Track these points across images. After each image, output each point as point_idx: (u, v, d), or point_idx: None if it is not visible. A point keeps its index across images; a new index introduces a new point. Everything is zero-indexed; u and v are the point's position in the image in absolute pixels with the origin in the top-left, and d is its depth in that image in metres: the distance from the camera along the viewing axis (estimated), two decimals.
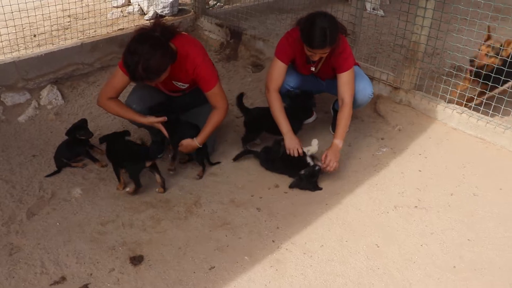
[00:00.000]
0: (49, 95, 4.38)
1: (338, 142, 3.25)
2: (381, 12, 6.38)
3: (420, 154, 3.55)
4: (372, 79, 4.13)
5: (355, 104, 3.50)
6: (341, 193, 3.18)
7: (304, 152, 3.26)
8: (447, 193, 3.15)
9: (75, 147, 3.51)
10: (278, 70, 3.36)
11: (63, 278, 2.56)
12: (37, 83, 4.45)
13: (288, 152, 3.26)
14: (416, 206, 3.04)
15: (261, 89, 4.48)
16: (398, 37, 4.05)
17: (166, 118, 3.22)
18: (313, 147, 3.28)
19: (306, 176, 3.17)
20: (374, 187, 3.23)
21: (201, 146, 3.28)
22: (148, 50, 2.86)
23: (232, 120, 4.07)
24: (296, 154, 3.24)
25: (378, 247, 2.74)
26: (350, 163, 3.49)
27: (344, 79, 3.30)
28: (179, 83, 3.31)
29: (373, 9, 6.39)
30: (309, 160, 3.26)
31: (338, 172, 3.36)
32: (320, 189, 3.22)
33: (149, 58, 2.85)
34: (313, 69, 3.44)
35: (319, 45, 3.06)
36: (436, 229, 2.85)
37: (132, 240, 2.82)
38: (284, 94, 3.50)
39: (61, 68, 4.59)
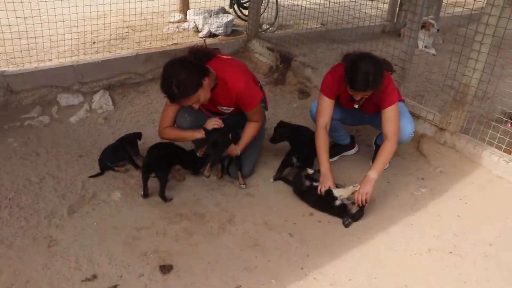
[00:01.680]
0: (101, 100, 4.58)
1: (372, 174, 3.20)
2: (432, 51, 6.34)
3: (460, 199, 3.46)
4: (417, 117, 4.10)
5: None
6: (375, 228, 3.14)
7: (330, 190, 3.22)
8: (485, 242, 3.05)
9: (120, 152, 3.64)
10: (325, 106, 3.38)
11: (94, 276, 2.64)
12: (91, 87, 4.68)
13: (318, 189, 3.24)
14: (451, 252, 2.96)
15: (305, 116, 4.52)
16: (448, 78, 4.01)
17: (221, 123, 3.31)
18: (346, 190, 3.21)
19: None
20: (409, 227, 3.17)
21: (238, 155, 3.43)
22: (177, 68, 2.99)
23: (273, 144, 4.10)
24: (322, 192, 3.22)
25: None
26: (387, 200, 3.44)
27: (388, 114, 3.27)
28: (224, 107, 3.40)
29: (425, 47, 6.36)
30: (336, 193, 3.21)
31: (373, 207, 3.33)
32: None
33: (179, 74, 2.96)
34: (356, 106, 3.44)
35: (360, 88, 3.08)
36: (471, 278, 2.76)
37: (163, 249, 2.88)
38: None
39: (115, 76, 4.82)
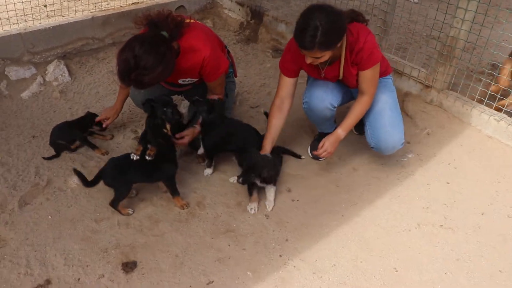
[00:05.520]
0: (56, 71, 4.14)
1: (340, 132, 2.89)
2: None
3: (449, 164, 3.21)
4: (401, 74, 3.79)
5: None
6: (359, 203, 2.88)
7: None
8: (477, 212, 2.83)
9: (71, 130, 3.27)
10: (282, 85, 2.98)
11: (48, 282, 2.36)
12: (44, 57, 4.22)
13: None
14: (441, 225, 2.73)
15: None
16: (434, 30, 3.65)
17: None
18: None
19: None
20: (396, 199, 2.92)
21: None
22: (151, 63, 2.56)
23: (247, 110, 3.77)
24: None
25: (396, 271, 2.45)
26: (371, 169, 3.18)
27: (365, 76, 2.81)
28: (187, 79, 3.02)
29: None
30: None
31: (357, 178, 3.07)
32: None
33: (146, 74, 2.57)
34: (322, 75, 2.96)
35: (307, 46, 2.52)
36: (463, 255, 2.54)
37: (126, 242, 2.58)
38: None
39: (70, 42, 4.36)
